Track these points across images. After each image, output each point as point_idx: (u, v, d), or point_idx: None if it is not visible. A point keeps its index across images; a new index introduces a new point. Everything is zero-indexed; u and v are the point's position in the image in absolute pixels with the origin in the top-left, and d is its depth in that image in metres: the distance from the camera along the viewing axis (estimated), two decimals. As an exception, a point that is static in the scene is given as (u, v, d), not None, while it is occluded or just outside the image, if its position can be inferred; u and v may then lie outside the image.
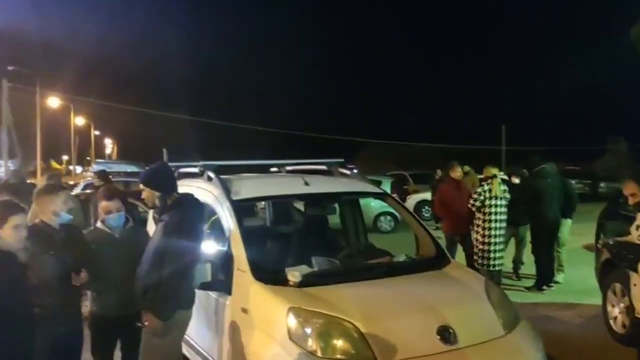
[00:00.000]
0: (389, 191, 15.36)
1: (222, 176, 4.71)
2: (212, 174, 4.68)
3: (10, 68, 31.70)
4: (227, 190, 4.39)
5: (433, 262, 4.45)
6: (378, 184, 14.00)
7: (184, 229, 3.72)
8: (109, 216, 4.17)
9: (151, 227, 4.60)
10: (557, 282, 8.23)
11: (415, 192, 20.12)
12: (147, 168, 4.21)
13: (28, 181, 10.96)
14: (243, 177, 5.29)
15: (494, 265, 7.38)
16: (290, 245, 4.88)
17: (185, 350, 4.49)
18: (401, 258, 4.54)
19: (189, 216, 3.83)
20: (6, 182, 8.73)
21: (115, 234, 4.19)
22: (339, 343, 3.30)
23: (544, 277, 8.02)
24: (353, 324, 3.32)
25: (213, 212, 4.50)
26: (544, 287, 7.93)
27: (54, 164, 69.23)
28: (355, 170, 6.74)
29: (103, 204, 4.21)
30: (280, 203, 5.17)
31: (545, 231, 8.03)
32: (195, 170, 5.19)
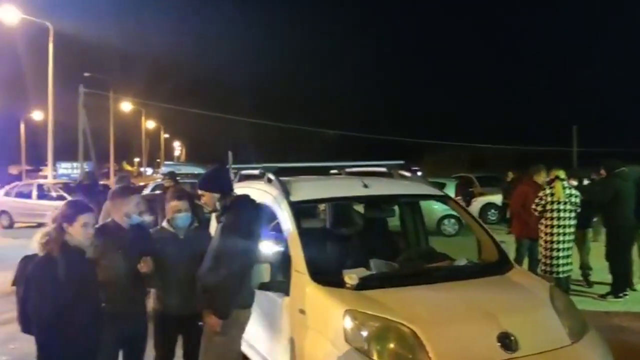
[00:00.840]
0: (453, 194, 15.18)
1: (282, 178, 4.75)
2: (271, 176, 4.73)
3: (86, 74, 33.28)
4: (285, 191, 4.42)
5: (495, 266, 4.32)
6: (442, 186, 13.82)
7: (240, 229, 3.79)
8: (177, 215, 4.30)
9: (213, 229, 4.70)
10: (634, 290, 7.82)
11: (481, 194, 19.66)
12: (204, 174, 4.31)
13: (101, 182, 11.48)
14: (302, 179, 5.32)
15: (560, 272, 7.09)
16: (348, 247, 4.86)
17: (244, 348, 4.57)
18: (462, 262, 4.44)
19: (245, 217, 3.89)
20: (80, 182, 9.20)
21: (180, 234, 4.31)
22: (395, 347, 3.26)
23: (620, 284, 7.63)
24: (410, 328, 3.26)
25: (273, 214, 4.55)
26: (620, 295, 7.55)
27: (126, 166, 72.16)
28: (419, 173, 6.67)
29: (172, 204, 4.34)
30: (340, 205, 5.16)
31: (624, 235, 7.65)
32: (256, 172, 5.27)
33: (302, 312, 3.75)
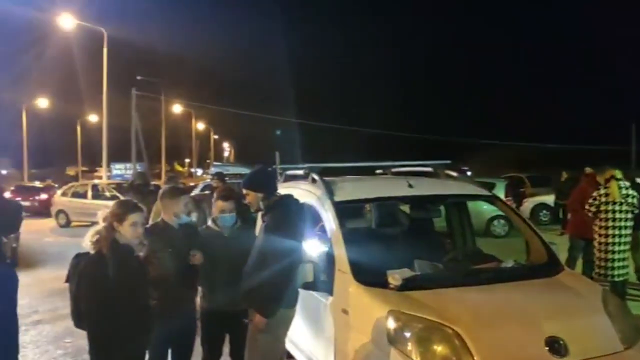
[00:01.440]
0: (502, 194, 14.84)
1: (326, 178, 4.76)
2: (316, 176, 4.75)
3: (139, 78, 34.23)
4: (329, 191, 4.43)
5: (544, 268, 4.21)
6: (491, 186, 13.53)
7: (283, 229, 3.82)
8: (221, 215, 4.39)
9: (259, 228, 4.74)
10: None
11: (533, 195, 19.19)
12: (248, 174, 4.36)
13: (152, 182, 11.75)
14: (347, 179, 5.32)
15: (616, 276, 6.83)
16: (393, 247, 4.83)
17: (289, 347, 4.60)
18: (509, 264, 4.35)
19: (288, 216, 3.92)
20: (132, 182, 9.45)
21: (225, 233, 4.39)
22: (439, 349, 3.21)
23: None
24: (454, 330, 3.21)
25: (317, 214, 4.56)
26: None
27: (177, 167, 73.76)
28: (468, 173, 6.53)
29: (218, 204, 4.43)
30: (385, 205, 5.13)
31: None
32: (301, 172, 5.30)
33: (345, 312, 3.75)
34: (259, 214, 4.35)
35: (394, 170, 6.09)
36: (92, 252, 3.32)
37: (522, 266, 4.42)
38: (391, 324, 3.35)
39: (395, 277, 3.72)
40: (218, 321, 4.32)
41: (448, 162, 5.55)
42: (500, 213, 13.82)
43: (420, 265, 4.27)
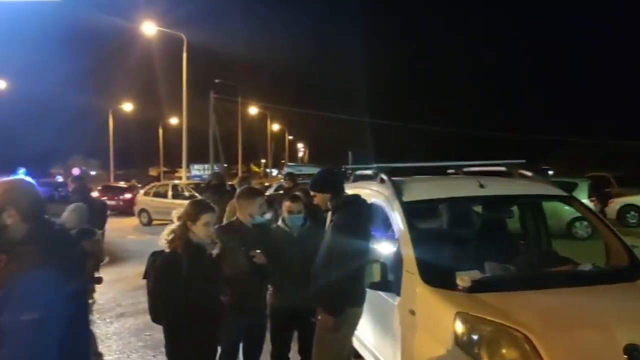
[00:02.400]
0: (585, 195, 14.18)
1: (395, 178, 4.74)
2: (384, 176, 4.74)
3: (217, 81, 35.29)
4: (398, 191, 4.41)
5: (625, 272, 4.01)
6: (573, 186, 12.94)
7: (351, 228, 3.85)
8: (290, 215, 4.48)
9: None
10: None
11: (619, 195, 18.21)
12: (315, 175, 4.42)
13: (229, 183, 12.09)
14: (416, 179, 5.27)
15: None
16: (464, 249, 4.74)
17: (356, 345, 4.62)
18: (586, 267, 4.17)
19: (355, 216, 3.95)
20: (209, 182, 9.77)
21: (294, 232, 4.47)
22: (508, 353, 3.13)
23: None
24: (524, 334, 3.12)
25: (385, 214, 4.56)
26: None
27: (254, 167, 75.36)
28: (550, 172, 6.28)
29: (286, 204, 4.53)
30: (457, 205, 5.05)
31: None
32: (370, 172, 5.30)
33: (412, 312, 3.73)
34: (329, 214, 4.40)
35: (465, 170, 5.98)
36: (167, 250, 3.48)
37: (600, 269, 4.24)
38: (458, 326, 3.30)
39: (464, 279, 3.65)
40: (287, 318, 4.40)
41: (522, 161, 5.38)
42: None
43: (490, 267, 4.17)
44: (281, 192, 12.12)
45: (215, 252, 3.75)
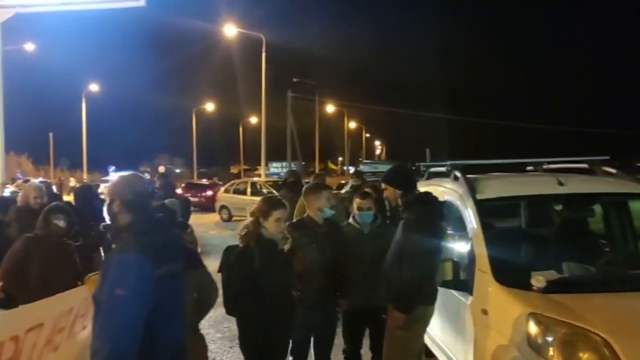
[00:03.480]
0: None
1: (470, 175, 4.67)
2: (458, 173, 4.67)
3: (294, 80, 35.79)
4: (471, 189, 4.33)
5: None
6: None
7: (422, 226, 3.82)
8: (359, 212, 4.51)
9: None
10: None
11: None
12: (389, 168, 4.40)
13: (306, 180, 12.25)
14: (492, 176, 5.15)
15: None
16: (541, 248, 4.59)
17: (428, 343, 4.59)
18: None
19: (426, 214, 3.91)
20: (285, 180, 9.95)
21: (364, 230, 4.50)
22: (585, 357, 3.01)
23: None
24: (603, 338, 2.99)
25: (458, 212, 4.49)
26: None
27: (331, 165, 75.81)
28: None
29: (356, 201, 4.56)
30: (535, 204, 4.90)
31: None
32: (444, 169, 5.23)
33: (484, 312, 3.66)
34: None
35: (545, 167, 5.77)
36: (240, 245, 3.60)
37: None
38: (532, 327, 3.21)
39: (538, 279, 3.55)
40: (358, 315, 4.43)
41: (606, 157, 5.13)
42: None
43: (569, 267, 4.02)
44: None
45: (286, 247, 3.84)
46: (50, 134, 58.70)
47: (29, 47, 30.63)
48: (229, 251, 3.73)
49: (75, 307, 3.56)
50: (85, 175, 44.47)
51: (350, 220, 4.63)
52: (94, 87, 46.90)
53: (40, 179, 26.88)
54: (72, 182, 34.30)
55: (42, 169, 56.59)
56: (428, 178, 5.88)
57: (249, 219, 3.65)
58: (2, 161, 10.13)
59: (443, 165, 5.28)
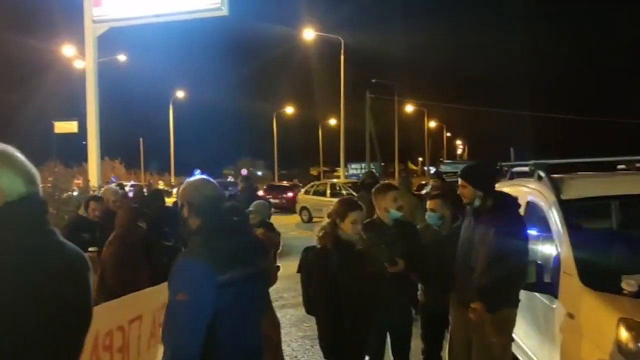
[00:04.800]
0: None
1: (555, 175, 4.51)
2: (542, 173, 4.52)
3: (373, 81, 35.74)
4: (556, 189, 4.19)
5: None
6: None
7: (513, 231, 3.71)
8: (428, 214, 4.47)
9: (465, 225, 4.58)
10: None
11: None
12: (470, 164, 4.30)
13: (383, 181, 12.24)
14: (579, 176, 4.95)
15: None
16: (632, 250, 4.35)
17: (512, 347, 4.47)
18: None
19: (517, 218, 3.80)
20: (363, 181, 9.98)
21: (443, 230, 4.44)
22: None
23: None
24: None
25: (542, 212, 4.35)
26: None
27: (411, 165, 75.03)
28: None
29: (429, 203, 4.52)
30: (626, 204, 4.66)
31: None
32: (527, 169, 5.08)
33: (570, 316, 3.53)
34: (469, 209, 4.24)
35: (638, 165, 5.47)
36: (318, 246, 3.66)
37: None
38: (623, 333, 3.07)
39: (630, 283, 3.38)
40: (436, 317, 4.38)
41: None
42: None
43: (663, 271, 3.79)
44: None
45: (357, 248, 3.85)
46: (141, 140, 61.85)
47: (121, 58, 32.38)
48: (307, 252, 3.80)
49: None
50: (172, 179, 46.47)
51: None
52: (180, 94, 48.96)
53: (132, 182, 28.35)
54: (161, 185, 35.88)
55: (133, 172, 59.62)
56: (511, 178, 5.73)
57: (326, 221, 3.70)
58: (98, 166, 10.78)
59: (526, 165, 5.13)
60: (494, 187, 4.05)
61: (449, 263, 4.12)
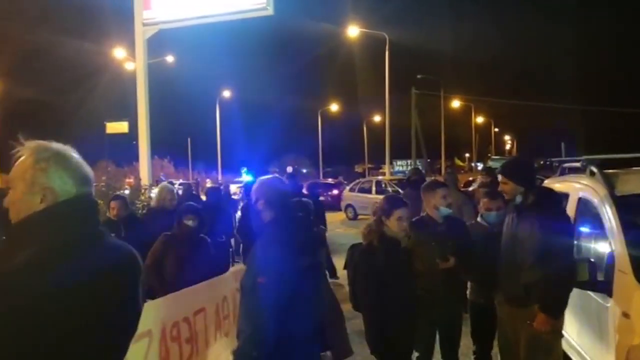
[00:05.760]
0: None
1: (608, 170, 4.38)
2: (594, 169, 4.40)
3: (418, 76, 35.42)
4: (610, 185, 4.07)
5: None
6: None
7: (562, 229, 3.63)
8: (487, 213, 4.40)
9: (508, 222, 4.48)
10: None
11: None
12: (509, 159, 4.21)
13: (431, 178, 12.13)
14: (633, 171, 4.79)
15: None
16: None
17: (565, 347, 4.37)
18: None
19: (563, 212, 3.72)
20: (409, 178, 9.94)
21: (494, 228, 4.37)
22: None
23: None
24: None
25: (595, 209, 4.24)
26: None
27: (457, 161, 73.98)
28: None
29: (484, 201, 4.45)
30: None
31: None
32: (578, 165, 4.95)
33: (626, 315, 3.43)
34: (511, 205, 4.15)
35: None
36: (364, 243, 3.68)
37: None
38: (682, 333, 2.97)
39: (688, 282, 3.27)
40: (487, 315, 4.32)
41: None
42: None
43: None
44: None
45: (406, 246, 3.84)
46: (189, 139, 63.07)
47: (169, 59, 33.08)
48: (353, 249, 3.82)
49: (229, 296, 3.88)
50: (219, 177, 47.20)
51: (479, 218, 4.52)
52: (226, 93, 49.67)
53: (181, 180, 28.96)
54: (209, 184, 36.51)
55: (181, 171, 60.91)
56: (561, 174, 5.60)
57: (372, 218, 3.71)
58: (149, 164, 11.07)
59: (578, 161, 5.00)
60: (535, 182, 3.95)
61: (498, 261, 4.05)
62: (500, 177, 3.98)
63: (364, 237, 3.67)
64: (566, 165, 5.66)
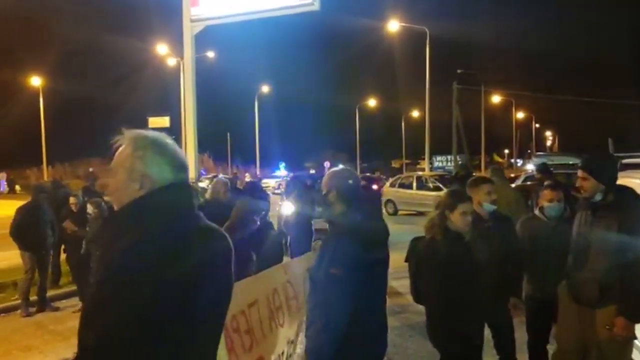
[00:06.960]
0: None
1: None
2: (659, 165, 4.30)
3: (459, 71, 34.97)
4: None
5: None
6: None
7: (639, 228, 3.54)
8: (549, 204, 4.33)
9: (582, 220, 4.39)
10: None
11: None
12: (591, 154, 4.06)
13: (474, 174, 11.99)
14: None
15: None
16: None
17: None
18: None
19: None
20: (456, 174, 9.86)
21: (552, 223, 4.32)
22: None
23: None
24: None
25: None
26: None
27: (496, 157, 72.87)
28: None
29: (545, 192, 4.39)
30: None
31: None
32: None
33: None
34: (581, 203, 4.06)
35: None
36: (427, 236, 3.68)
37: None
38: None
39: None
40: (542, 309, 4.28)
41: None
42: None
43: None
44: (529, 183, 11.64)
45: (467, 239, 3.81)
46: (228, 134, 63.81)
47: (210, 54, 33.48)
48: (415, 242, 3.83)
49: (279, 288, 3.94)
50: (258, 171, 47.62)
51: (537, 212, 4.47)
52: (265, 89, 50.00)
53: (221, 175, 29.33)
54: (247, 178, 36.89)
55: (220, 165, 61.66)
56: (621, 170, 5.46)
57: (435, 212, 3.70)
58: (196, 159, 11.24)
59: (639, 157, 4.89)
60: (616, 181, 3.81)
61: (558, 255, 3.99)
62: (580, 172, 3.79)
63: (427, 231, 3.67)
64: (626, 161, 5.53)
